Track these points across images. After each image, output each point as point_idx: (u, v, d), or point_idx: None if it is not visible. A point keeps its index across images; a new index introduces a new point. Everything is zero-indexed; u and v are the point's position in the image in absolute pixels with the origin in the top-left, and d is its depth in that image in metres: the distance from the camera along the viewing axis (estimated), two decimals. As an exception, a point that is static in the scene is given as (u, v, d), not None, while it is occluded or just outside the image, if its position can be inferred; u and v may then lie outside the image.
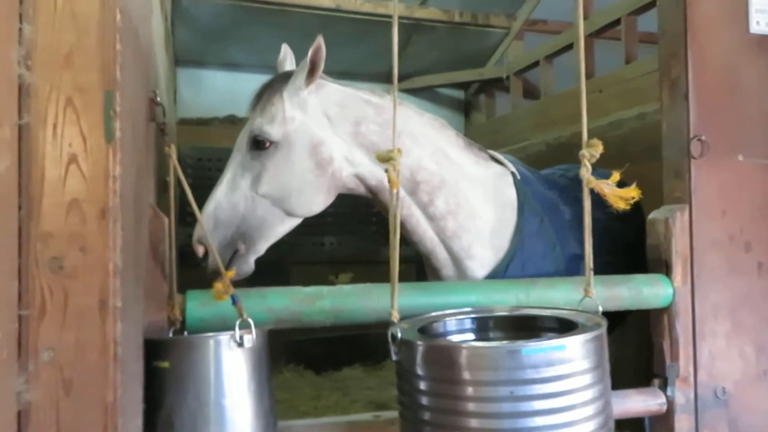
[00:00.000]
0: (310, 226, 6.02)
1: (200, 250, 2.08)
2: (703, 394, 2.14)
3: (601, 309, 1.69)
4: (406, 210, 2.23)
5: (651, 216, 2.24)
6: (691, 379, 2.14)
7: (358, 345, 4.84)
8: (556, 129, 4.20)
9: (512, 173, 2.40)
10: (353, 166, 2.19)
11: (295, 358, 4.92)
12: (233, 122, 5.29)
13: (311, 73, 2.11)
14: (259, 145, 2.12)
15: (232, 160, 2.18)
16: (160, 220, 1.73)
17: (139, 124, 1.47)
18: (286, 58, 2.44)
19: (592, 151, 1.68)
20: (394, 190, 1.62)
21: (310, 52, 2.07)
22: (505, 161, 2.44)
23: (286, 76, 2.20)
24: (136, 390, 1.40)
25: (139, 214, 1.41)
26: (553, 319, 1.75)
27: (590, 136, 1.69)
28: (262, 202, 2.12)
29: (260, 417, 1.54)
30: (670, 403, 2.12)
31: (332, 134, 2.17)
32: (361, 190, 2.27)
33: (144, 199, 1.61)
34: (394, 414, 1.98)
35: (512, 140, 4.77)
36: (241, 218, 2.12)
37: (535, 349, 1.39)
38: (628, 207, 1.70)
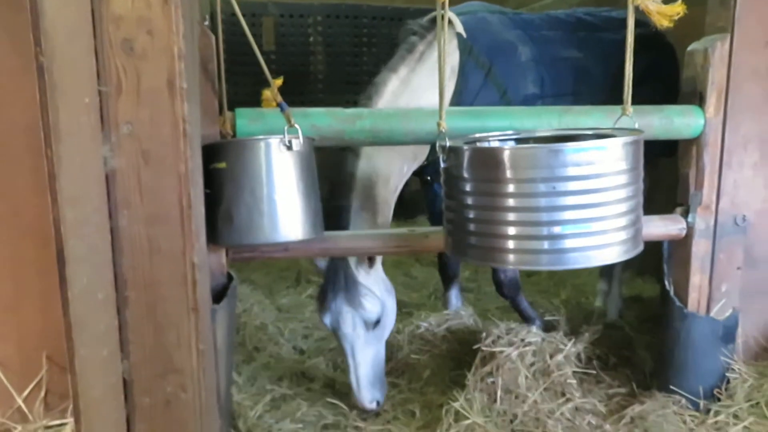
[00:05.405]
0: (346, 83, 5.94)
1: None
2: (723, 220, 2.24)
3: (637, 125, 1.75)
4: None
5: (690, 47, 2.22)
6: (713, 206, 2.23)
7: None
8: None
9: (458, 34, 2.44)
10: None
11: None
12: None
13: None
14: None
15: None
16: (208, 39, 1.81)
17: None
18: None
19: (636, -35, 1.66)
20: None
21: None
22: (454, 20, 2.47)
23: None
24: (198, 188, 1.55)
25: (192, 20, 1.49)
26: (593, 137, 1.81)
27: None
28: None
29: (309, 215, 1.71)
30: (690, 228, 2.23)
31: None
32: None
33: (194, 15, 1.68)
34: (426, 228, 2.17)
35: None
36: None
37: (578, 148, 1.49)
38: (671, 24, 1.72)
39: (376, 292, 2.29)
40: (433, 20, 2.49)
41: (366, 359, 2.30)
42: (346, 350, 2.31)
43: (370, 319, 2.28)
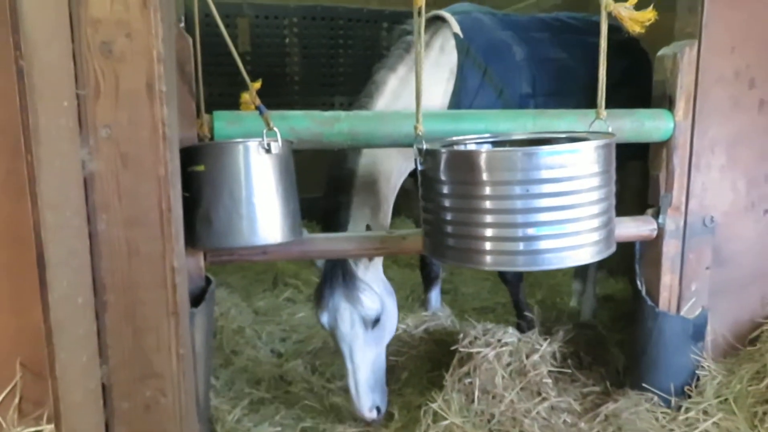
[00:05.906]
0: (322, 85, 5.95)
1: None
2: (692, 221, 2.30)
3: (610, 129, 1.79)
4: None
5: (660, 52, 2.28)
6: (683, 208, 2.30)
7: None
8: (573, -19, 4.08)
9: (455, 34, 2.46)
10: None
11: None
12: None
13: None
14: None
15: None
16: (185, 41, 1.80)
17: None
18: None
19: (609, -28, 1.71)
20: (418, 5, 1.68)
21: None
22: (450, 20, 2.48)
23: None
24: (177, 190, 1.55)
25: (169, 23, 1.49)
26: (567, 140, 1.85)
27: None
28: None
29: (287, 217, 1.71)
30: (661, 229, 2.29)
31: None
32: None
33: (171, 17, 1.67)
34: (404, 231, 2.18)
35: (527, -5, 4.65)
36: None
37: (551, 151, 1.52)
38: (643, 30, 1.77)
39: (375, 288, 2.22)
40: (429, 20, 2.53)
41: (365, 362, 2.18)
42: (344, 352, 2.19)
43: (368, 316, 2.17)
